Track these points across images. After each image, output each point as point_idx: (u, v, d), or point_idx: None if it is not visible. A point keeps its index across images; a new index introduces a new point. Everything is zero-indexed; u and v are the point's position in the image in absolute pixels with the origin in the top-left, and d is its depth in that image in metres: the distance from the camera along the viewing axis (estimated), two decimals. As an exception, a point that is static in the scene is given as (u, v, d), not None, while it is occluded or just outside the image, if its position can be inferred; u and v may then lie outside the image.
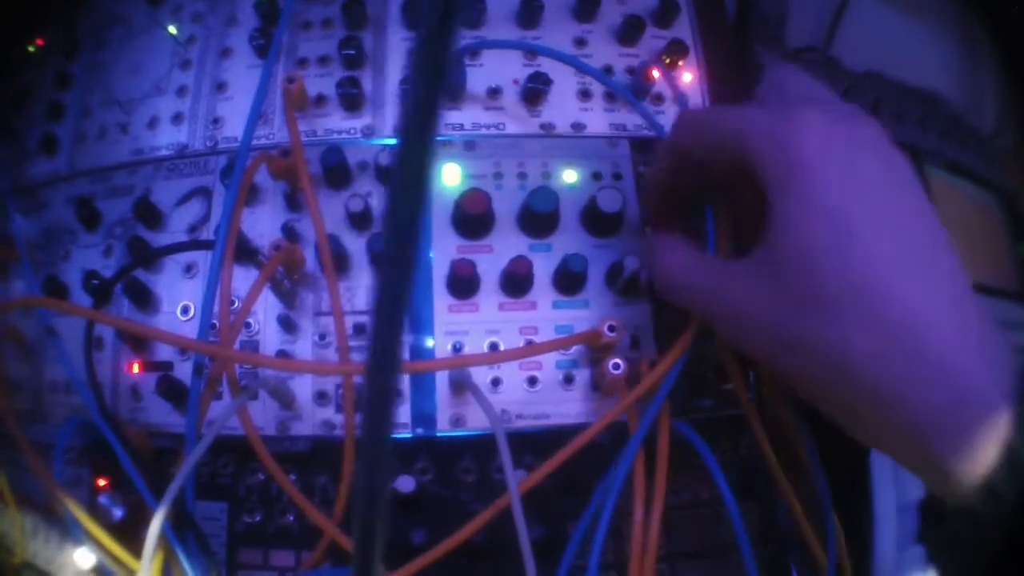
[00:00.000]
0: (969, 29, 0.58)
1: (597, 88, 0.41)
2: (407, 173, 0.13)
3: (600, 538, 0.32)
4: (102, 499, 0.37)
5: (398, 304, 0.13)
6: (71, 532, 0.35)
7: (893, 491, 0.40)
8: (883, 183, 0.26)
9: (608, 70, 0.41)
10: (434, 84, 0.12)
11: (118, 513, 0.37)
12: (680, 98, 0.38)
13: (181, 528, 0.33)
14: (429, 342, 0.36)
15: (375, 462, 0.15)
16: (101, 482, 0.38)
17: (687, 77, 0.41)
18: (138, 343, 0.38)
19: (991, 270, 0.54)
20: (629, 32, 0.41)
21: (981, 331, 0.25)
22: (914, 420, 0.24)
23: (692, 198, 0.35)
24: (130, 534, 0.35)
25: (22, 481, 0.39)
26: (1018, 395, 0.24)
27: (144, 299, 0.38)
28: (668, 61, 0.40)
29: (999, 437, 0.23)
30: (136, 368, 0.38)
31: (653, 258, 0.33)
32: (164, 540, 0.32)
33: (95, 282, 0.38)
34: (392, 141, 0.39)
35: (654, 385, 0.33)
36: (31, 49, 0.47)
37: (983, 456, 0.23)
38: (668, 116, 0.40)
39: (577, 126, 0.40)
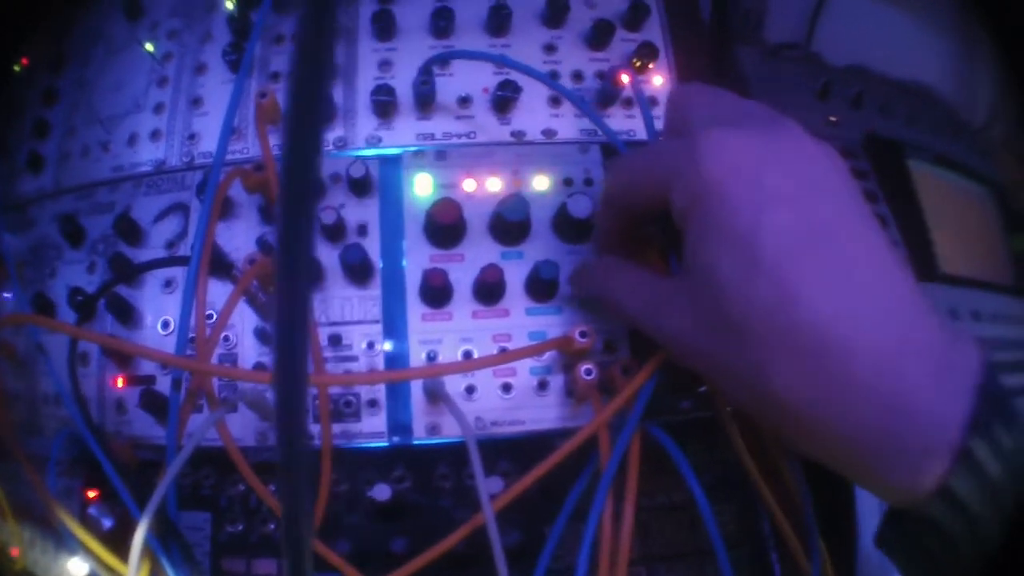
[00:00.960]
0: (959, 19, 0.57)
1: (569, 94, 0.41)
2: (295, 174, 0.13)
3: (587, 545, 0.32)
4: (92, 510, 0.38)
5: (300, 308, 0.14)
6: (65, 542, 0.36)
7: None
8: (797, 194, 0.25)
9: (578, 75, 0.41)
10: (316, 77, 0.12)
11: (107, 523, 0.38)
12: (642, 103, 0.38)
13: (165, 538, 0.34)
14: (403, 351, 0.37)
15: (294, 473, 0.15)
16: (91, 493, 0.39)
17: (658, 80, 0.41)
18: (122, 358, 0.38)
19: (985, 264, 0.53)
20: (599, 36, 0.41)
21: (922, 340, 0.24)
22: (847, 443, 0.24)
23: (642, 226, 0.35)
24: (120, 544, 0.36)
25: (20, 492, 0.40)
26: (980, 400, 0.23)
27: (127, 315, 0.38)
28: (638, 64, 0.40)
29: (949, 448, 0.22)
30: (120, 382, 0.38)
31: (601, 275, 0.34)
32: (149, 550, 0.33)
33: (79, 298, 0.39)
34: (364, 152, 0.40)
35: (630, 399, 0.33)
36: (16, 69, 0.48)
37: (932, 468, 0.23)
38: (638, 120, 0.40)
39: (548, 132, 0.40)
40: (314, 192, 0.13)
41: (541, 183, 0.39)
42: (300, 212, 0.13)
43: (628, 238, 0.34)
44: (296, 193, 0.13)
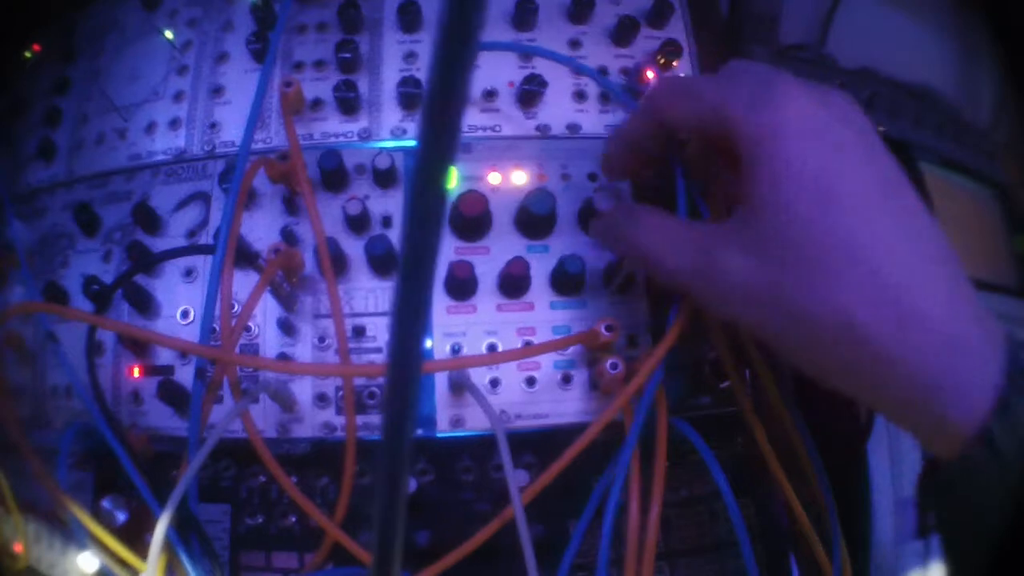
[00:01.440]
0: (964, 23, 0.58)
1: (592, 90, 0.41)
2: (426, 179, 0.13)
3: (606, 538, 0.32)
4: (105, 503, 0.37)
5: (419, 306, 0.14)
6: (74, 537, 0.35)
7: (890, 486, 0.41)
8: (860, 148, 0.26)
9: (603, 71, 0.41)
10: (455, 86, 0.12)
11: (121, 517, 0.37)
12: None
13: (185, 531, 0.33)
14: (428, 344, 0.37)
15: (396, 464, 0.15)
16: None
17: (681, 77, 0.41)
18: (139, 347, 0.38)
19: (988, 265, 0.54)
20: (623, 33, 0.41)
21: (967, 291, 0.26)
22: (914, 381, 0.25)
23: (657, 161, 0.34)
24: (132, 538, 0.35)
25: (23, 487, 0.39)
26: (1012, 355, 0.25)
27: (144, 304, 0.38)
28: (662, 61, 0.41)
29: (993, 388, 0.24)
30: (136, 372, 0.38)
31: (631, 227, 0.32)
32: (167, 543, 0.33)
33: (95, 287, 0.38)
34: (389, 144, 0.39)
35: (647, 378, 0.33)
36: (27, 55, 0.47)
37: (977, 410, 0.24)
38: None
39: (572, 127, 0.40)
40: (444, 197, 0.13)
41: (566, 178, 0.39)
42: (430, 210, 0.13)
43: (640, 167, 0.34)
44: (429, 190, 0.13)
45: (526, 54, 0.41)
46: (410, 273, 0.13)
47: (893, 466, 0.41)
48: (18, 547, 0.40)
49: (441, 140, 0.13)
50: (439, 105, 0.12)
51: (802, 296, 0.26)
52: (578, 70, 0.40)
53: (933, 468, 0.29)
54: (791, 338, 0.27)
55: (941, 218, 0.49)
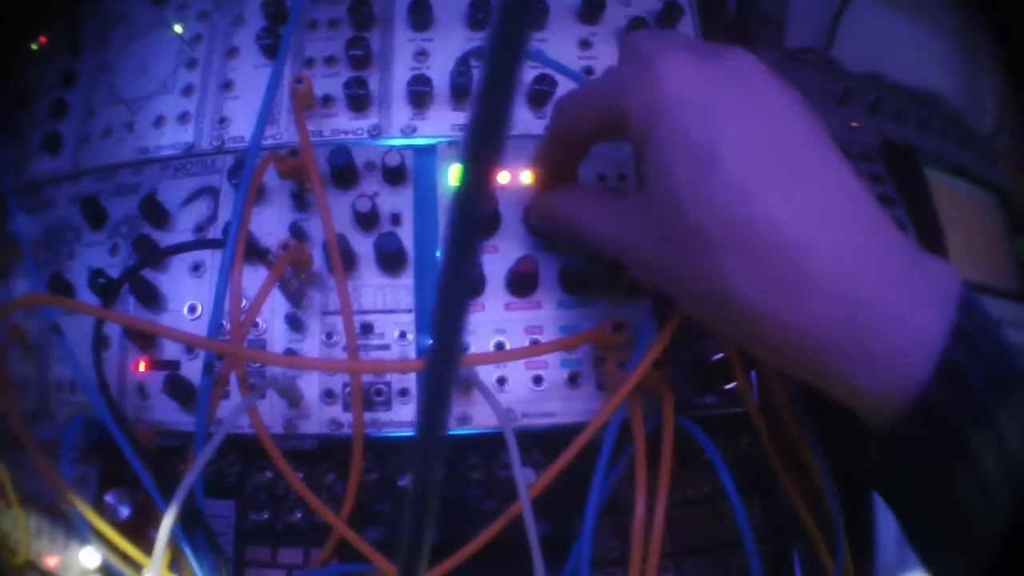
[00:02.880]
0: (968, 28, 0.58)
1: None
2: (471, 181, 0.13)
3: (587, 534, 0.32)
4: (109, 498, 0.37)
5: (459, 304, 0.14)
6: (77, 531, 0.35)
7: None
8: (750, 109, 0.25)
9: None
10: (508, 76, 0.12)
11: (125, 512, 0.37)
12: None
13: (190, 526, 0.33)
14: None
15: (430, 459, 0.15)
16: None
17: (691, 79, 0.41)
18: (145, 341, 0.38)
19: (990, 270, 0.55)
20: (633, 34, 0.41)
21: (880, 247, 0.24)
22: (806, 342, 0.24)
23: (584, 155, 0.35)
24: (138, 533, 0.35)
25: (25, 480, 0.39)
26: (961, 313, 0.23)
27: (150, 298, 0.38)
28: (672, 63, 0.41)
29: (926, 355, 0.22)
30: (142, 366, 0.38)
31: (557, 208, 0.33)
32: (172, 538, 0.33)
33: (101, 281, 0.38)
34: (399, 141, 0.39)
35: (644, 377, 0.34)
36: (34, 47, 0.47)
37: (907, 375, 0.22)
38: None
39: (582, 127, 0.40)
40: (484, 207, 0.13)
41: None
42: (472, 211, 0.13)
43: (573, 169, 0.35)
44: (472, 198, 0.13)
45: (538, 52, 0.41)
46: (451, 275, 0.13)
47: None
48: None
49: (488, 145, 0.13)
50: (489, 108, 0.12)
51: (687, 272, 0.26)
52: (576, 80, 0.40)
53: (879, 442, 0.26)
54: (701, 316, 0.28)
55: (947, 223, 0.50)
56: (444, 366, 0.14)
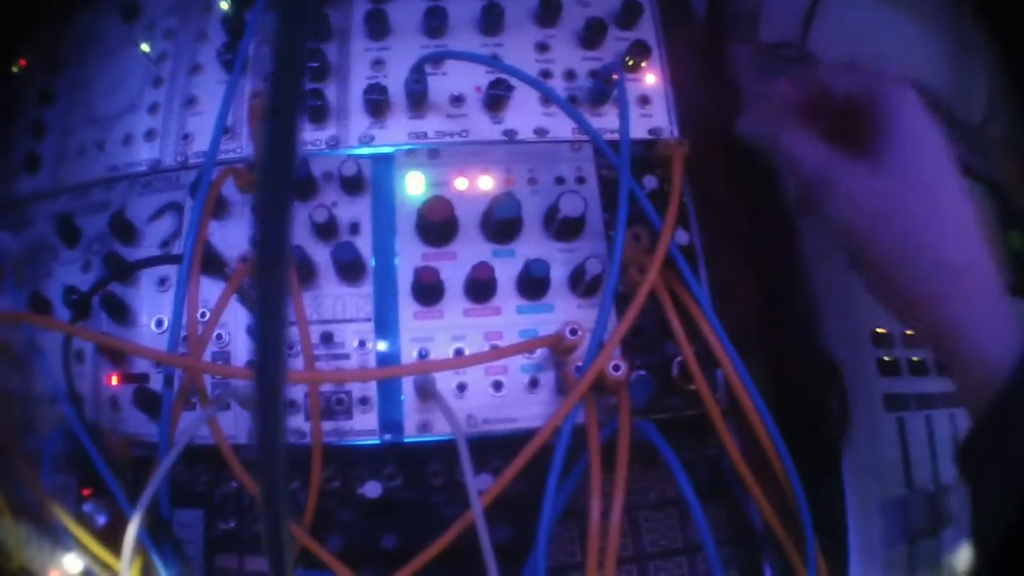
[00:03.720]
0: (954, 18, 0.57)
1: (560, 93, 0.41)
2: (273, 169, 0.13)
3: (543, 539, 0.32)
4: (87, 507, 0.38)
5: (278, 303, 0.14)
6: (61, 539, 0.36)
7: (868, 490, 0.40)
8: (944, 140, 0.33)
9: (571, 75, 0.41)
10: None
11: (101, 520, 0.38)
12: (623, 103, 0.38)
13: (158, 534, 0.34)
14: (395, 349, 0.37)
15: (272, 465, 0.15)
16: (86, 492, 0.40)
17: (650, 78, 0.41)
18: (116, 356, 0.39)
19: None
20: (592, 35, 0.41)
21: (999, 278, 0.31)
22: (955, 317, 0.30)
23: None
24: (115, 540, 0.36)
25: (17, 490, 0.40)
26: None
27: (121, 313, 0.38)
28: (631, 63, 0.40)
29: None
30: (115, 380, 0.39)
31: (783, 129, 0.36)
32: (141, 546, 0.33)
33: (74, 297, 0.39)
34: (359, 151, 0.40)
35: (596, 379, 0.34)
36: (14, 70, 0.48)
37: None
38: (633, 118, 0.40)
39: (540, 131, 0.40)
40: (291, 188, 0.13)
41: (532, 182, 0.39)
42: (278, 208, 0.13)
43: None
44: (274, 188, 0.13)
45: (495, 57, 0.41)
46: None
47: (872, 471, 0.40)
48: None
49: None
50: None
51: (913, 222, 0.31)
52: (535, 86, 0.39)
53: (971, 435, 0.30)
54: (889, 251, 0.32)
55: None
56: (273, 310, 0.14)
